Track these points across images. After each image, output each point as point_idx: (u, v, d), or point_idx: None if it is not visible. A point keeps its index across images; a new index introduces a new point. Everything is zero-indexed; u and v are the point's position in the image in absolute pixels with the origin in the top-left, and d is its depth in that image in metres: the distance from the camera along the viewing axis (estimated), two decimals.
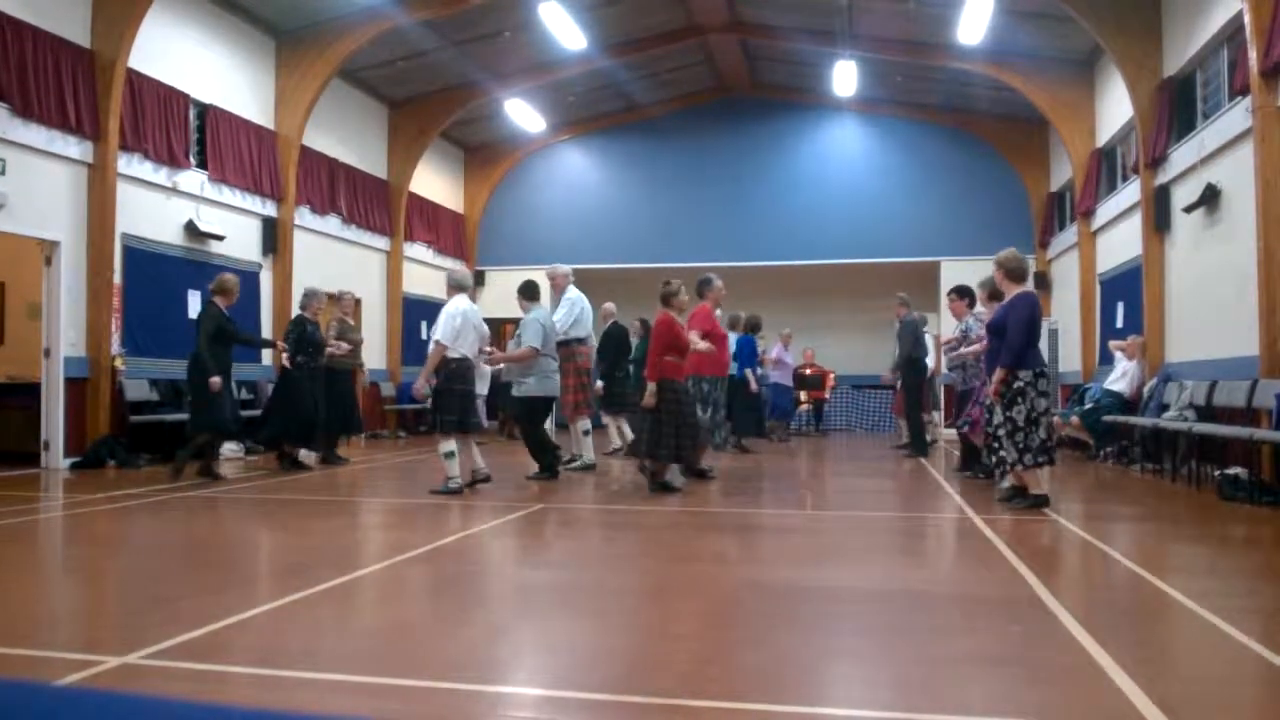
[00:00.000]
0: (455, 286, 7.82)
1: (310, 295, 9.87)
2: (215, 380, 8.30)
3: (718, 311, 9.20)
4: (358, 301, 11.67)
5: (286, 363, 9.40)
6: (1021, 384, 6.60)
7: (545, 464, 8.54)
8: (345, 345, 10.19)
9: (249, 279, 12.74)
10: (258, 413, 10.51)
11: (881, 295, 16.24)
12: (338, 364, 10.11)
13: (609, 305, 12.02)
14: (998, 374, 6.61)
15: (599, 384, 11.56)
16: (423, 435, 15.32)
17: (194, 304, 11.56)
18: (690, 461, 8.08)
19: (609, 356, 11.42)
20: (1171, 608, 3.89)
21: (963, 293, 9.07)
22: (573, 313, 9.44)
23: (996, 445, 6.76)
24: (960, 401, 8.92)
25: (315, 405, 9.47)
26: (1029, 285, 7.04)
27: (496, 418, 13.53)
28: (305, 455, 9.80)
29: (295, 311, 10.57)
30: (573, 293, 9.59)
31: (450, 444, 7.48)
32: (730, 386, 10.74)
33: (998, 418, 6.72)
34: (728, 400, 10.55)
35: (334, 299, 11.09)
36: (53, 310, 9.80)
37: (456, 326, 7.48)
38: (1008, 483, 7.06)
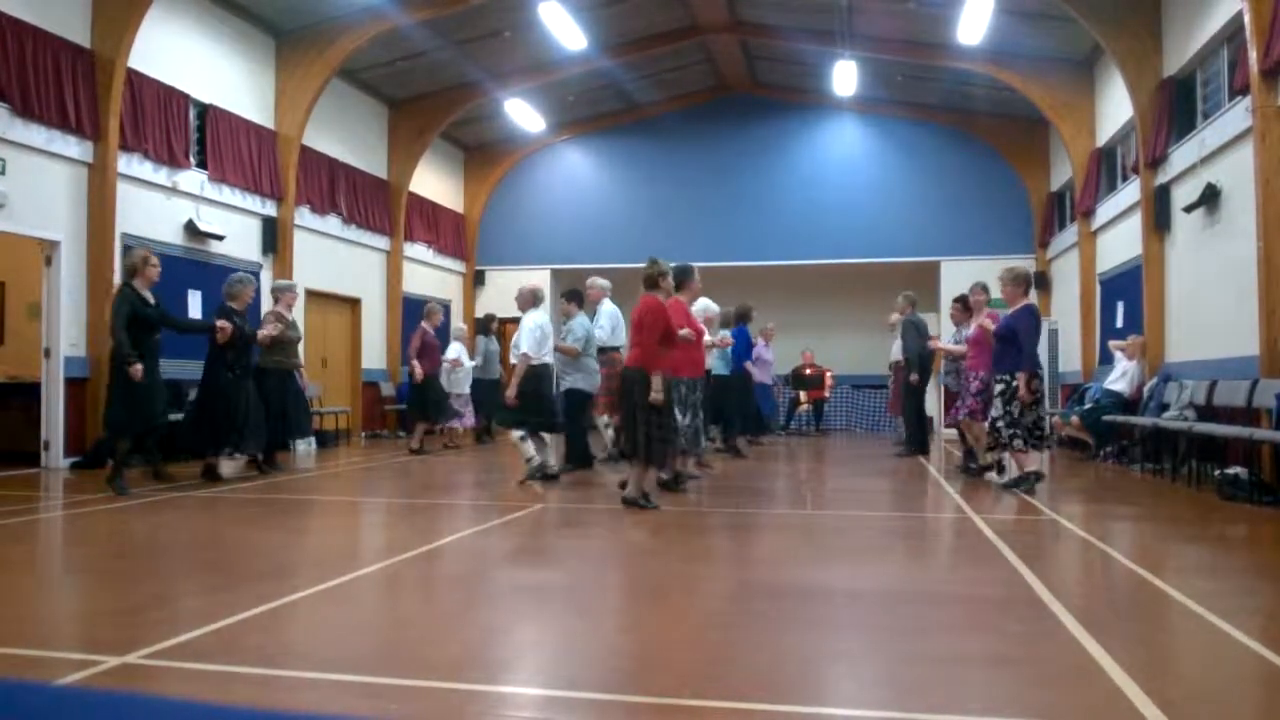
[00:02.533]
0: (531, 299, 8.60)
1: (283, 289, 9.67)
2: (136, 368, 7.37)
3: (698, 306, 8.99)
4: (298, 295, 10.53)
5: (221, 337, 8.28)
6: (1018, 383, 7.63)
7: (582, 458, 9.34)
8: (269, 331, 9.03)
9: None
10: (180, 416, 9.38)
11: (881, 295, 16.23)
12: (269, 364, 9.11)
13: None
14: (1022, 377, 7.60)
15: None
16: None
17: (194, 304, 11.57)
18: (659, 466, 7.32)
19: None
20: (1171, 608, 3.89)
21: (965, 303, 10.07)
22: (614, 324, 9.78)
23: (997, 435, 7.81)
24: (949, 400, 9.89)
25: (239, 408, 8.43)
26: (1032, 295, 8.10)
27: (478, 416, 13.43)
28: (226, 465, 9.08)
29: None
30: (609, 305, 9.88)
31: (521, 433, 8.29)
32: (722, 385, 10.53)
33: (997, 411, 7.78)
34: (721, 400, 10.48)
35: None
36: (53, 310, 9.80)
37: (539, 339, 8.29)
38: (1006, 477, 8.02)
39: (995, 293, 8.95)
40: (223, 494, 7.67)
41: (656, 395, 6.54)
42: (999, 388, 7.82)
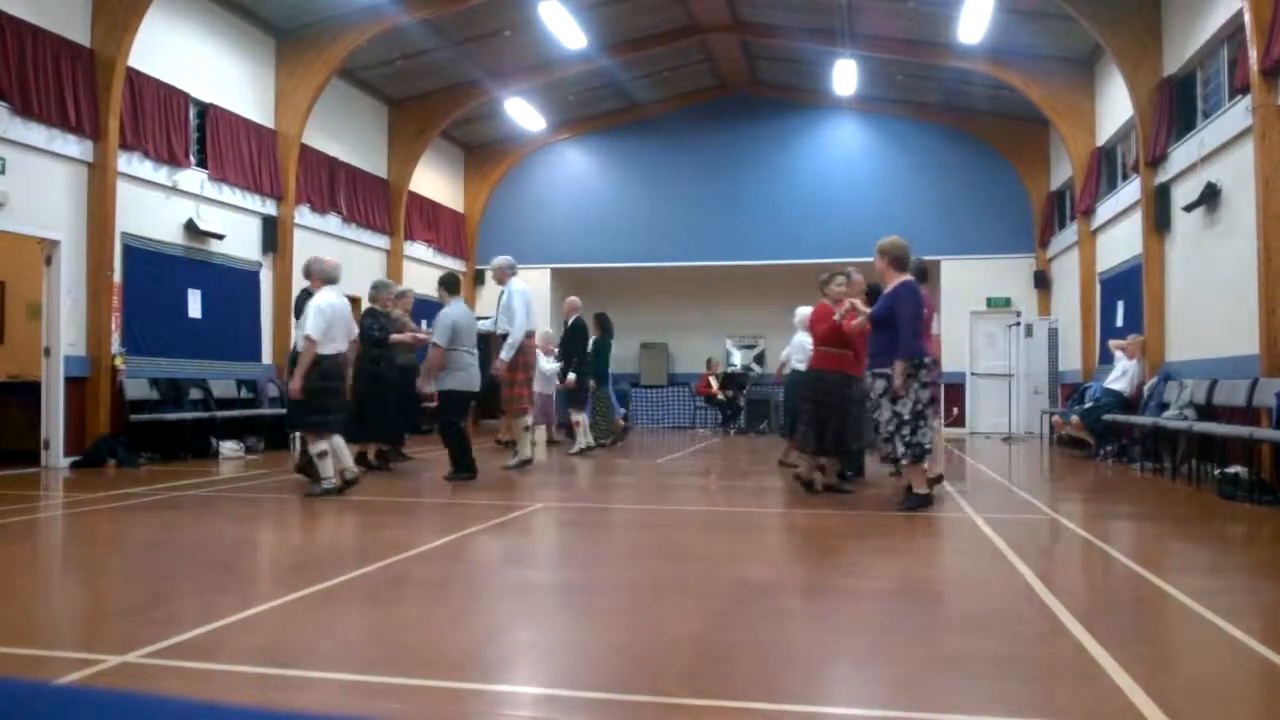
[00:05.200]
0: (321, 278, 7.19)
1: (381, 287, 9.63)
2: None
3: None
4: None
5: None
6: (894, 374, 6.41)
7: (463, 464, 8.17)
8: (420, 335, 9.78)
9: (249, 278, 12.76)
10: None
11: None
12: (406, 362, 9.76)
13: (573, 299, 12.04)
14: (898, 366, 6.35)
15: (570, 377, 11.60)
16: (422, 434, 15.30)
17: (194, 303, 11.57)
18: (842, 454, 7.48)
19: (577, 352, 11.36)
20: (1172, 606, 3.89)
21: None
22: (526, 306, 8.99)
23: (887, 442, 6.52)
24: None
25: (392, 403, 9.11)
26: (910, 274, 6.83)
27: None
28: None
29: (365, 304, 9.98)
30: (517, 284, 9.11)
31: (322, 444, 7.14)
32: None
33: (886, 414, 6.50)
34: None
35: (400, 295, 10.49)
36: (53, 309, 9.80)
37: (326, 321, 6.97)
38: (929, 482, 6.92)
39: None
40: (222, 493, 7.67)
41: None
42: (880, 385, 6.56)
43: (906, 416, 6.39)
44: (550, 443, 12.90)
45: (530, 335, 9.17)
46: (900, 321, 6.38)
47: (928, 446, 6.49)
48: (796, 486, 7.62)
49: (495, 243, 19.12)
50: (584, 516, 6.76)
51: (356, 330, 7.66)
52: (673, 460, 11.50)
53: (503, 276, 9.25)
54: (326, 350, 7.04)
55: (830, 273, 7.75)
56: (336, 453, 7.20)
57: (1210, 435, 8.10)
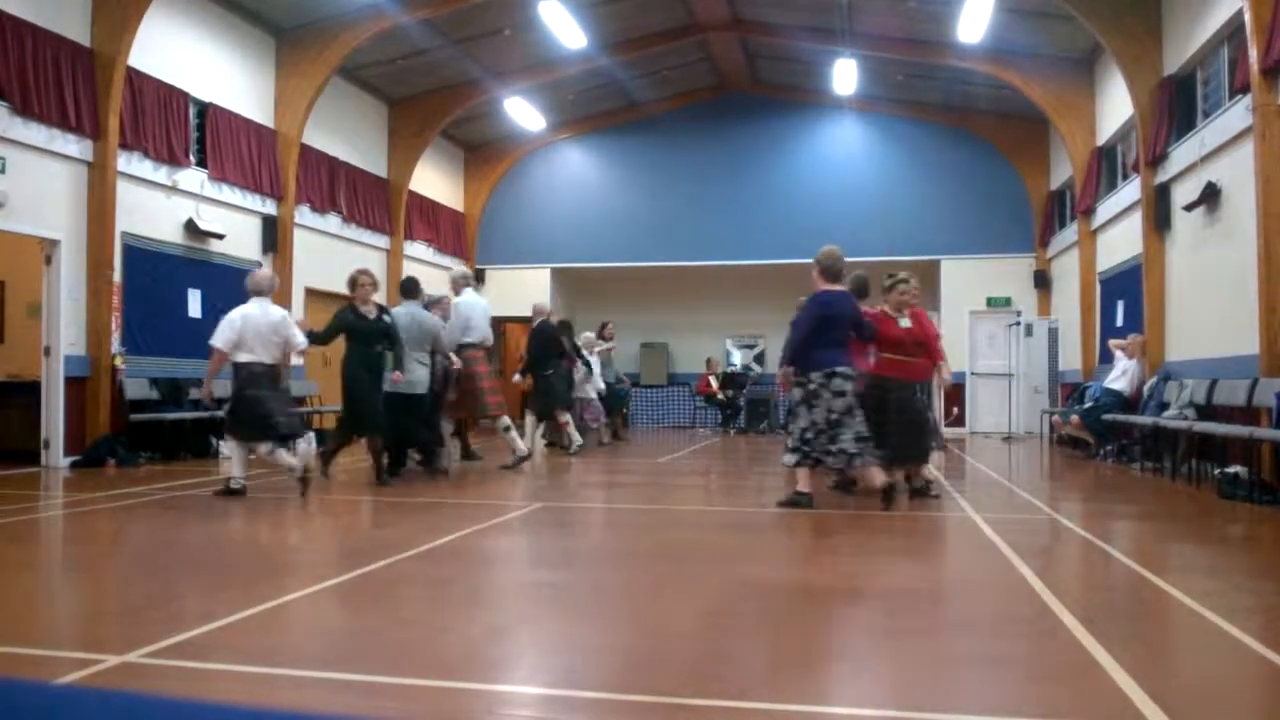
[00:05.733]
0: (250, 290, 7.48)
1: (436, 299, 9.56)
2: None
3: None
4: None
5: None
6: (814, 385, 6.50)
7: (387, 467, 8.40)
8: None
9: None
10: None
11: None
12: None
13: (540, 303, 12.00)
14: (780, 370, 6.65)
15: (524, 379, 11.61)
16: None
17: (194, 303, 11.56)
18: (909, 461, 7.21)
19: (538, 355, 11.23)
20: (1171, 607, 3.89)
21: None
22: (467, 318, 9.43)
23: (807, 448, 6.53)
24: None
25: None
26: (844, 286, 6.93)
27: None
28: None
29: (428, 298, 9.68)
30: (468, 296, 9.57)
31: (230, 448, 7.43)
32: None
33: (804, 422, 6.54)
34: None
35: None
36: (53, 309, 9.80)
37: (235, 332, 7.20)
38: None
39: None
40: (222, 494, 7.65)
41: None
42: (797, 392, 6.68)
43: (823, 425, 6.44)
44: (599, 443, 13.06)
45: (475, 347, 9.42)
46: (795, 329, 6.62)
47: (851, 451, 6.41)
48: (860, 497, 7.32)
49: (495, 242, 19.16)
50: (584, 516, 6.76)
51: (299, 339, 7.63)
52: (673, 460, 11.51)
53: (456, 287, 9.64)
54: (240, 359, 7.27)
55: (894, 278, 7.45)
56: (279, 457, 7.29)
57: (1210, 435, 8.10)
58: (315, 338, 8.22)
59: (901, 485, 7.18)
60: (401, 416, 8.35)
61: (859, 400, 6.67)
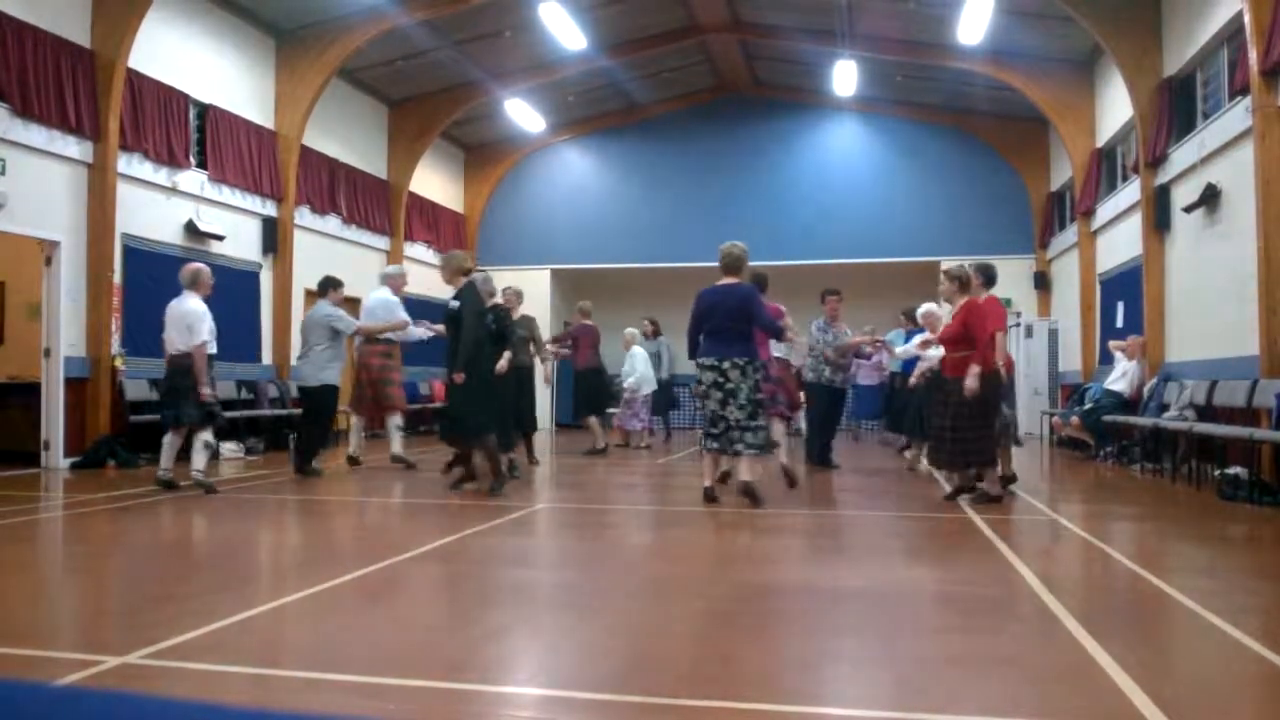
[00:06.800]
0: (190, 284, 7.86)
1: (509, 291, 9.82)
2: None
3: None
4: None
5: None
6: (700, 377, 6.83)
7: (304, 464, 8.78)
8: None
9: (249, 279, 12.75)
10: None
11: (881, 295, 16.24)
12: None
13: (510, 290, 11.94)
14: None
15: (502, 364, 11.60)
16: (423, 434, 15.30)
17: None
18: (962, 464, 7.09)
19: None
20: (1171, 607, 3.89)
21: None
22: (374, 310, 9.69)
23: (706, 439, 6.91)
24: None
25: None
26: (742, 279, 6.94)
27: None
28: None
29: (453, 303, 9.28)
30: (377, 294, 9.85)
31: (169, 437, 7.77)
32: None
33: (705, 412, 6.91)
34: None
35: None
36: (53, 310, 9.80)
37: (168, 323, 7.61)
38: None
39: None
40: (223, 494, 7.66)
41: (973, 383, 6.68)
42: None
43: (709, 414, 6.79)
44: (642, 447, 13.03)
45: (376, 342, 9.62)
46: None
47: (724, 438, 6.71)
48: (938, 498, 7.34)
49: (495, 243, 19.16)
50: (584, 517, 6.76)
51: (203, 332, 7.70)
52: (673, 460, 11.51)
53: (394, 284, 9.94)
54: (171, 351, 7.69)
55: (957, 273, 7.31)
56: (201, 452, 7.54)
57: (1210, 436, 8.10)
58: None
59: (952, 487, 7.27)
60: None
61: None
